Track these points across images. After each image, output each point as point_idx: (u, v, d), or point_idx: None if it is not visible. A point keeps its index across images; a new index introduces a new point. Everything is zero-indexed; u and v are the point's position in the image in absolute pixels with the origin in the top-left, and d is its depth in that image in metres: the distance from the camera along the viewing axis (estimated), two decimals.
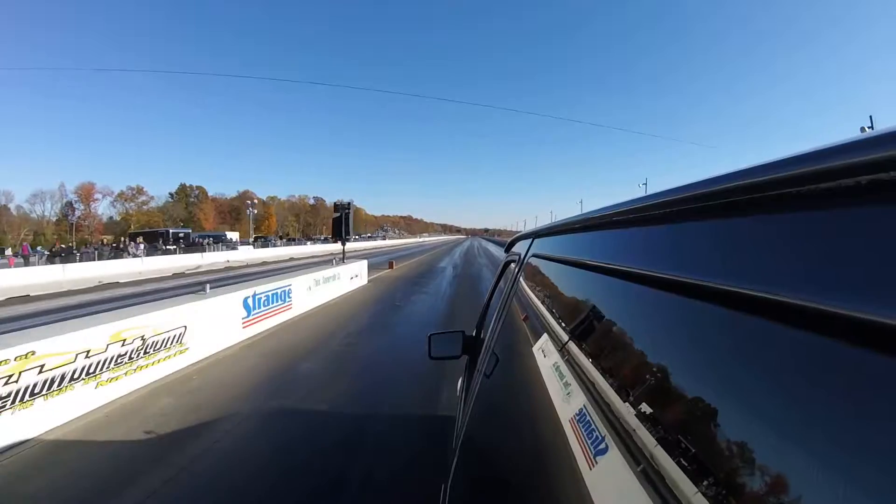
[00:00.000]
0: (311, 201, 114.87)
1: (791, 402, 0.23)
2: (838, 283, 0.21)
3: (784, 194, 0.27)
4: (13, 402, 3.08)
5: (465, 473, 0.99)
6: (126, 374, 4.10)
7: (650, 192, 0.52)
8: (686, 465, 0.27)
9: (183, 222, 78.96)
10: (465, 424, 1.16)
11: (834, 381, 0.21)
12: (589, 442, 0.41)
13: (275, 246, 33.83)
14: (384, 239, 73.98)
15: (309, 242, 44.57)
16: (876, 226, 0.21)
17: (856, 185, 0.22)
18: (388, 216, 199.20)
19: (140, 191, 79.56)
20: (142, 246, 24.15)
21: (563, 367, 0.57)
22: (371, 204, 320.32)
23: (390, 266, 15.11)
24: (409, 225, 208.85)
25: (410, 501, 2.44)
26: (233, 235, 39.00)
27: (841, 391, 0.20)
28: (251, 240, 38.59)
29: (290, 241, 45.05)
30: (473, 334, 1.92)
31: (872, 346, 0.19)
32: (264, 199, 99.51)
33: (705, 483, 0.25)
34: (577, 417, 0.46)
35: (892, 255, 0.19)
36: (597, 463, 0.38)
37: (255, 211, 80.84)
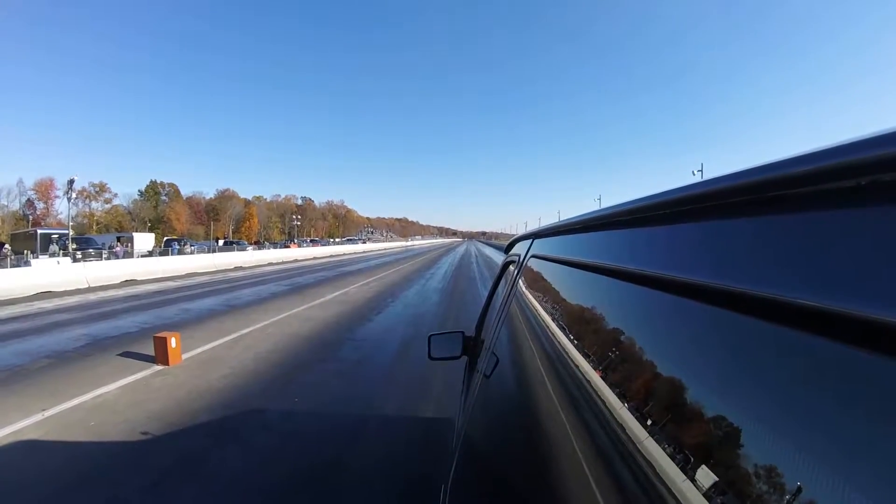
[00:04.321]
0: (299, 201, 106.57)
1: (792, 402, 0.23)
2: (839, 284, 0.21)
3: (784, 195, 0.27)
4: None
5: (464, 474, 0.98)
6: None
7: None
8: (687, 465, 0.28)
9: (150, 223, 71.06)
10: (465, 425, 1.16)
11: (833, 381, 0.21)
12: (589, 442, 0.42)
13: (180, 253, 23.75)
14: (364, 242, 63.82)
15: (251, 247, 34.80)
16: (876, 226, 0.21)
17: (856, 186, 0.22)
18: (384, 218, 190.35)
19: (103, 188, 72.08)
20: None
21: (563, 368, 0.57)
22: (366, 206, 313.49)
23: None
24: (404, 227, 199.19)
25: None
26: (146, 239, 29.26)
27: (840, 391, 0.20)
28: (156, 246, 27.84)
29: (231, 244, 35.16)
30: (473, 335, 1.88)
31: (872, 347, 0.19)
32: (249, 198, 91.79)
33: (706, 483, 0.25)
34: (578, 418, 0.47)
35: (892, 256, 0.19)
36: (598, 463, 0.39)
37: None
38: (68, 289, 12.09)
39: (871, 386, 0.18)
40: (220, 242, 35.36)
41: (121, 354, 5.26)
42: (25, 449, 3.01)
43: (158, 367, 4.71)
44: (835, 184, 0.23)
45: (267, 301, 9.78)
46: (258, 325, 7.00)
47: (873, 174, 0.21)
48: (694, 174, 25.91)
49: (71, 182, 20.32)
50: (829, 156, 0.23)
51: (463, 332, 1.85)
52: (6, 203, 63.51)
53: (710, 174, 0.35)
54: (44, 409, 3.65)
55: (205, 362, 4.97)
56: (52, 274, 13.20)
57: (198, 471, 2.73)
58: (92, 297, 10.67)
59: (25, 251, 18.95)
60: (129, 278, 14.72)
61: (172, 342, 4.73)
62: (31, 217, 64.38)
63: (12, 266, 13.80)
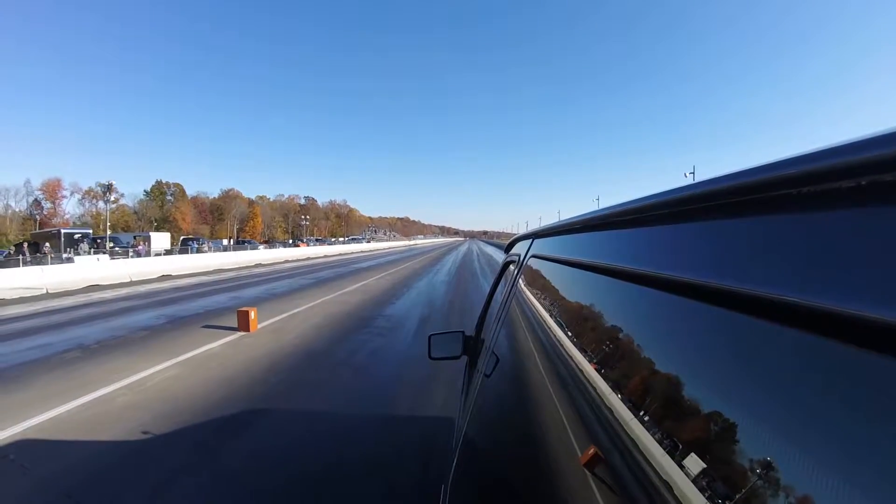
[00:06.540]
0: (302, 201, 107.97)
1: (791, 402, 0.23)
2: (839, 284, 0.21)
3: (785, 195, 0.27)
4: None
5: (465, 474, 0.99)
6: None
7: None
8: (687, 465, 0.27)
9: (157, 223, 72.40)
10: (465, 425, 1.16)
11: (833, 381, 0.21)
12: (589, 441, 0.42)
13: (195, 252, 25.14)
14: (368, 242, 65.37)
15: (262, 246, 36.30)
16: (876, 226, 0.21)
17: (856, 186, 0.22)
18: (385, 217, 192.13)
19: (110, 188, 73.08)
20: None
21: (564, 368, 0.58)
22: (368, 205, 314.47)
23: None
24: (406, 227, 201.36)
25: None
26: (163, 238, 30.66)
27: (840, 391, 0.20)
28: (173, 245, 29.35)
29: (244, 243, 36.63)
30: (473, 335, 1.87)
31: (872, 346, 0.19)
32: (253, 198, 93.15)
33: (706, 483, 0.25)
34: (578, 418, 0.47)
35: (892, 256, 0.19)
36: (598, 463, 0.38)
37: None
38: (114, 282, 13.42)
39: (871, 386, 0.18)
40: (231, 242, 36.85)
41: (204, 327, 6.67)
42: (178, 378, 4.39)
43: (242, 333, 6.13)
44: (835, 184, 0.23)
45: (301, 290, 11.25)
46: (304, 307, 8.45)
47: (873, 174, 0.20)
48: (686, 176, 27.12)
49: (109, 186, 21.73)
50: (829, 156, 0.23)
51: (463, 332, 1.87)
52: (13, 203, 64.72)
53: (702, 176, 0.41)
54: (171, 358, 5.02)
55: (275, 330, 6.43)
56: (95, 269, 14.61)
57: (304, 380, 4.28)
58: (141, 289, 12.03)
59: (69, 248, 20.47)
60: (165, 273, 16.18)
61: (252, 314, 6.17)
62: (38, 217, 65.33)
63: (52, 263, 15.19)
